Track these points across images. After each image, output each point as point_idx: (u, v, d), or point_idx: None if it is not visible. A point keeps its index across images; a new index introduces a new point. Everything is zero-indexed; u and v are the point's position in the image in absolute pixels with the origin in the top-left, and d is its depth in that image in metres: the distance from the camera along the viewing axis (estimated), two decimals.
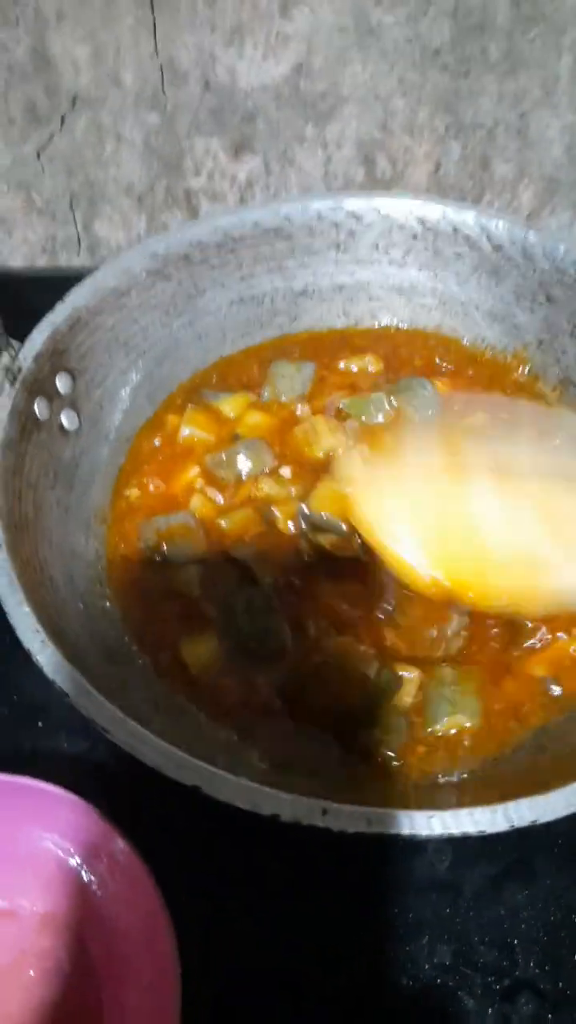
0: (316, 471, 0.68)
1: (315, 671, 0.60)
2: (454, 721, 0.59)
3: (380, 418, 0.71)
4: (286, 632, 0.62)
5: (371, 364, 0.78)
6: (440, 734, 0.59)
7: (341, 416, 0.72)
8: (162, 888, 0.54)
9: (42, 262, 1.10)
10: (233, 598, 0.63)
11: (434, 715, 0.60)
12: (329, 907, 0.60)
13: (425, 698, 0.60)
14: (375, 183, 1.04)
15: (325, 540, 0.64)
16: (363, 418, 0.72)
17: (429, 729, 0.59)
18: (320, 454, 0.70)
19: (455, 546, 0.58)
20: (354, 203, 0.72)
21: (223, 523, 0.67)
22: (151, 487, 0.69)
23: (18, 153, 0.99)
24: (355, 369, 0.77)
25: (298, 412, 0.73)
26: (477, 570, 0.58)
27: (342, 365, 0.77)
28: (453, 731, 0.59)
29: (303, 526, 0.65)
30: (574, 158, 1.01)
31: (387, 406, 0.73)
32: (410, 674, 0.60)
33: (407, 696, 0.60)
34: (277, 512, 0.66)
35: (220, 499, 0.68)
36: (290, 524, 0.65)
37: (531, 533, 0.58)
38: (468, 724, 0.59)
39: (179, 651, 0.62)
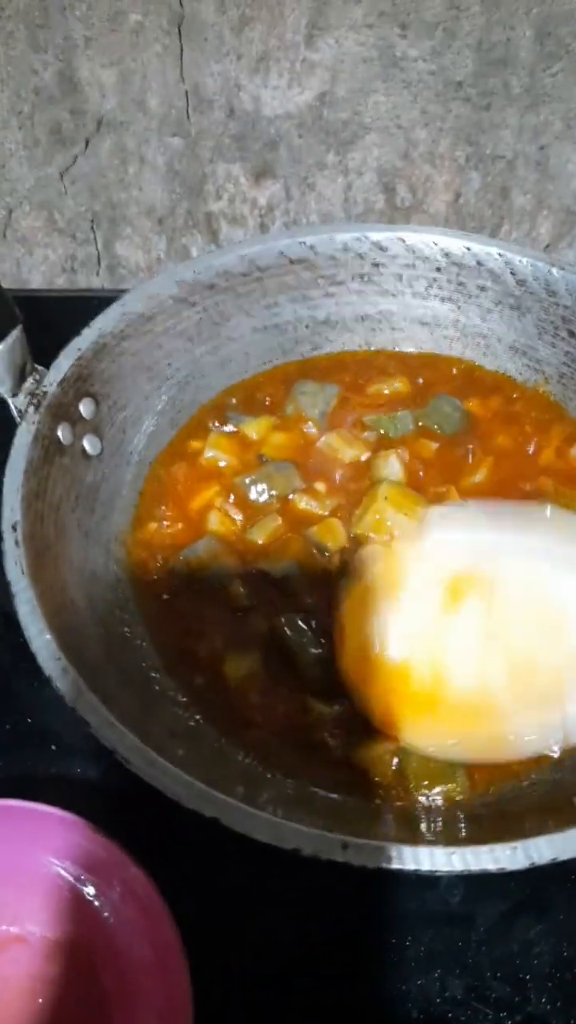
0: (349, 487, 0.70)
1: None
2: None
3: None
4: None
5: (398, 384, 0.79)
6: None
7: (361, 427, 0.74)
8: (176, 917, 0.54)
9: (61, 281, 1.11)
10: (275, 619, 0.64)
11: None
12: (342, 938, 0.59)
13: None
14: (395, 211, 1.04)
15: None
16: (382, 431, 0.74)
17: None
18: (346, 461, 0.71)
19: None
20: (379, 235, 0.73)
21: (257, 539, 0.68)
22: (172, 512, 0.69)
23: (42, 174, 1.00)
24: (386, 391, 0.78)
25: (319, 431, 0.75)
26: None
27: (369, 389, 0.78)
28: None
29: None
30: None
31: (411, 424, 0.74)
32: None
33: None
34: (315, 533, 0.67)
35: (240, 517, 0.69)
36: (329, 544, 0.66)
37: (496, 677, 0.58)
38: None
39: (218, 669, 0.63)
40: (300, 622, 0.63)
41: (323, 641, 0.62)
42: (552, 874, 0.62)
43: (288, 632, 0.62)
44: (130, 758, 0.49)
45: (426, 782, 0.59)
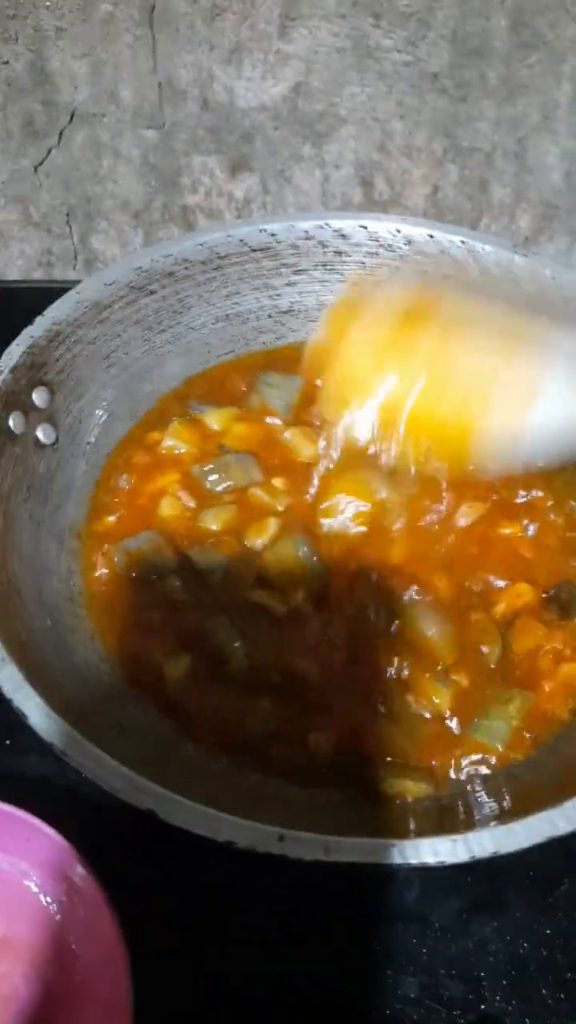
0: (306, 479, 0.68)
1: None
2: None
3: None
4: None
5: None
6: None
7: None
8: (122, 916, 0.53)
9: (38, 275, 1.10)
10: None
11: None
12: (292, 936, 0.58)
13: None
14: (373, 204, 1.04)
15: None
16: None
17: None
18: (304, 460, 0.70)
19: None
20: (340, 222, 0.72)
21: (211, 525, 0.67)
22: (125, 503, 0.69)
23: (16, 167, 1.00)
24: None
25: (283, 424, 0.73)
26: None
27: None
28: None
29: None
30: (573, 185, 1.01)
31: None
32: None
33: None
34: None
35: (192, 504, 0.68)
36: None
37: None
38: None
39: (160, 668, 0.61)
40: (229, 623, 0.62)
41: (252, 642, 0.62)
42: (510, 872, 0.61)
43: (218, 635, 0.61)
44: (67, 750, 0.48)
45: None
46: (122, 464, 0.71)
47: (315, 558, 0.63)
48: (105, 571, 0.65)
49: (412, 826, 0.54)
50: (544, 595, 0.65)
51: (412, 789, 0.57)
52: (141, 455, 0.71)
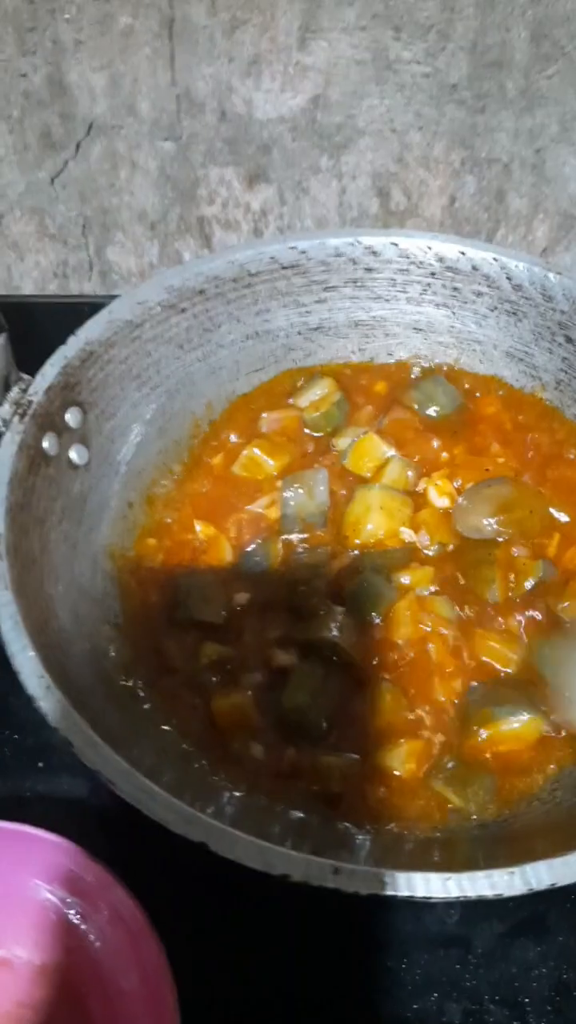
0: None
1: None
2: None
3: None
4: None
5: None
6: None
7: None
8: (164, 942, 0.53)
9: (53, 287, 1.09)
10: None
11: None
12: (337, 963, 0.58)
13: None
14: (389, 215, 1.03)
15: None
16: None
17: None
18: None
19: None
20: (372, 239, 0.72)
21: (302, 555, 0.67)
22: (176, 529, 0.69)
23: (32, 179, 0.99)
24: None
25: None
26: None
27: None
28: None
29: None
30: None
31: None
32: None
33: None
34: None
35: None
36: None
37: None
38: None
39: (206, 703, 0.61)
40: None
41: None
42: (551, 896, 0.59)
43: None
44: (115, 780, 0.47)
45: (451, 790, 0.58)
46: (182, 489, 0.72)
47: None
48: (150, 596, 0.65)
49: (460, 857, 0.53)
50: None
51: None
52: (207, 481, 0.72)
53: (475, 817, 0.57)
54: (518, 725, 0.59)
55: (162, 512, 0.70)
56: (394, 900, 0.51)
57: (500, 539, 0.67)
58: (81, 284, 1.09)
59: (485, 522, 0.67)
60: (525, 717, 0.59)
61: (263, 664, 0.62)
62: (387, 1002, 0.57)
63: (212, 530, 0.69)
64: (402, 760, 0.59)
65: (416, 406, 0.76)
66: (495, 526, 0.67)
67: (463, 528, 0.68)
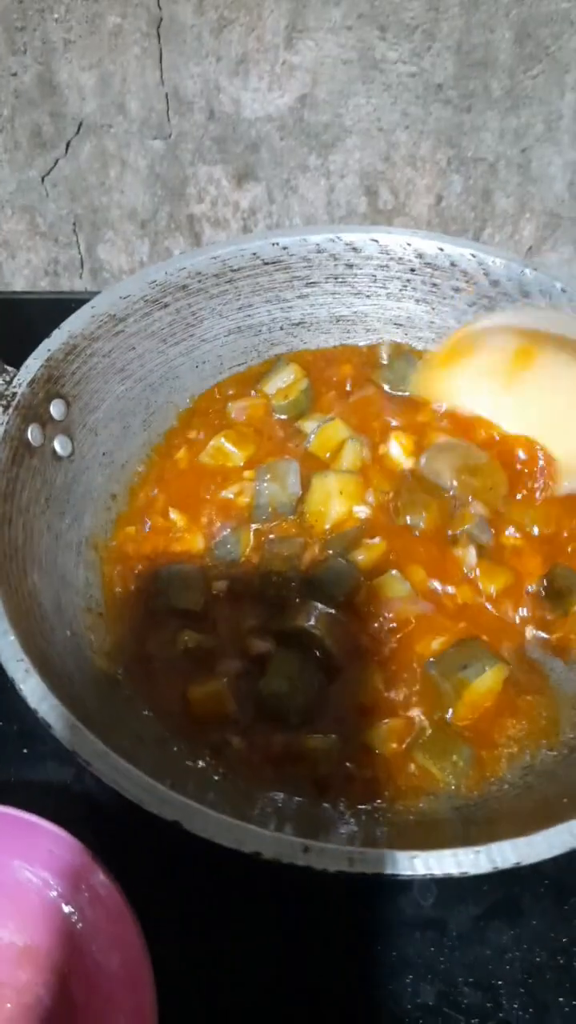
0: None
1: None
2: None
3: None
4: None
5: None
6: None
7: None
8: (144, 923, 0.54)
9: (44, 284, 1.10)
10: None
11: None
12: (312, 944, 0.59)
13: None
14: (377, 214, 1.04)
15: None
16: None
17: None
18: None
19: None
20: (352, 236, 0.73)
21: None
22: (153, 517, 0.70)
23: (23, 177, 1.00)
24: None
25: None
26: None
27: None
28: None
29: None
30: None
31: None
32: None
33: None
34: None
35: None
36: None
37: None
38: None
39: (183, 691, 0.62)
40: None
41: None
42: (526, 879, 0.61)
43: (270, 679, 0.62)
44: (92, 761, 0.48)
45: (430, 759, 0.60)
46: (146, 479, 0.72)
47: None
48: (131, 585, 0.66)
49: (431, 837, 0.54)
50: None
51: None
52: (168, 468, 0.73)
53: (454, 787, 0.58)
54: (488, 677, 0.61)
55: (140, 501, 0.71)
56: (372, 881, 0.52)
57: (451, 493, 0.69)
58: (72, 282, 1.10)
59: (448, 473, 0.69)
60: (489, 668, 0.61)
61: (240, 652, 0.63)
62: (362, 984, 0.58)
63: (185, 519, 0.70)
64: (383, 739, 0.60)
65: (387, 386, 0.77)
66: (454, 482, 0.69)
67: (425, 467, 0.70)
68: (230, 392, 0.78)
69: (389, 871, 0.46)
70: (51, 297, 1.08)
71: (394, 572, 0.65)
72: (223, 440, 0.73)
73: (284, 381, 0.77)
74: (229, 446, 0.73)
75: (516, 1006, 0.57)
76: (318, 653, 0.62)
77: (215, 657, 0.62)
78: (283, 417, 0.76)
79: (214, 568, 0.66)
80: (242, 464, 0.72)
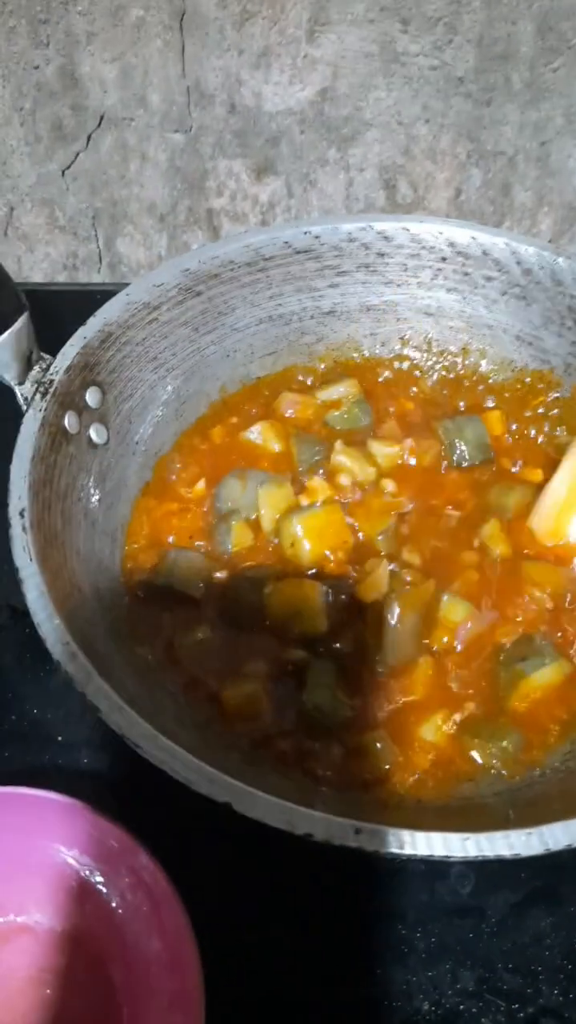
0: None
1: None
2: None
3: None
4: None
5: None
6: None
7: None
8: (187, 906, 0.54)
9: (62, 278, 1.10)
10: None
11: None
12: (354, 929, 0.59)
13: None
14: (396, 207, 1.04)
15: None
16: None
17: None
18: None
19: None
20: (384, 224, 0.73)
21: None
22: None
23: (43, 170, 1.00)
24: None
25: None
26: None
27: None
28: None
29: None
30: None
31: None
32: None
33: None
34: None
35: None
36: None
37: None
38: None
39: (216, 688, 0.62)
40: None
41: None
42: (564, 865, 0.61)
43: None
44: (140, 743, 0.48)
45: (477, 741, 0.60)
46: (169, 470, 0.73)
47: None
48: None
49: (475, 821, 0.54)
50: None
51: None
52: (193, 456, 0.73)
53: (498, 773, 0.58)
54: (547, 672, 0.62)
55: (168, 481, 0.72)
56: (412, 867, 0.52)
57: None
58: (90, 276, 1.10)
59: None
60: (549, 663, 0.62)
61: (271, 656, 0.63)
62: (401, 970, 0.58)
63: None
64: (435, 728, 0.61)
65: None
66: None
67: None
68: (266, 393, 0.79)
69: (442, 853, 0.46)
70: (74, 289, 1.08)
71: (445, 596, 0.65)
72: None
73: (339, 393, 0.77)
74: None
75: (556, 991, 0.58)
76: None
77: (240, 656, 0.63)
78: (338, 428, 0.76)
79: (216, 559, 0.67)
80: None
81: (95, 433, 0.65)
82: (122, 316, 0.66)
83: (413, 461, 0.73)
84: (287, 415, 0.76)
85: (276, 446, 0.74)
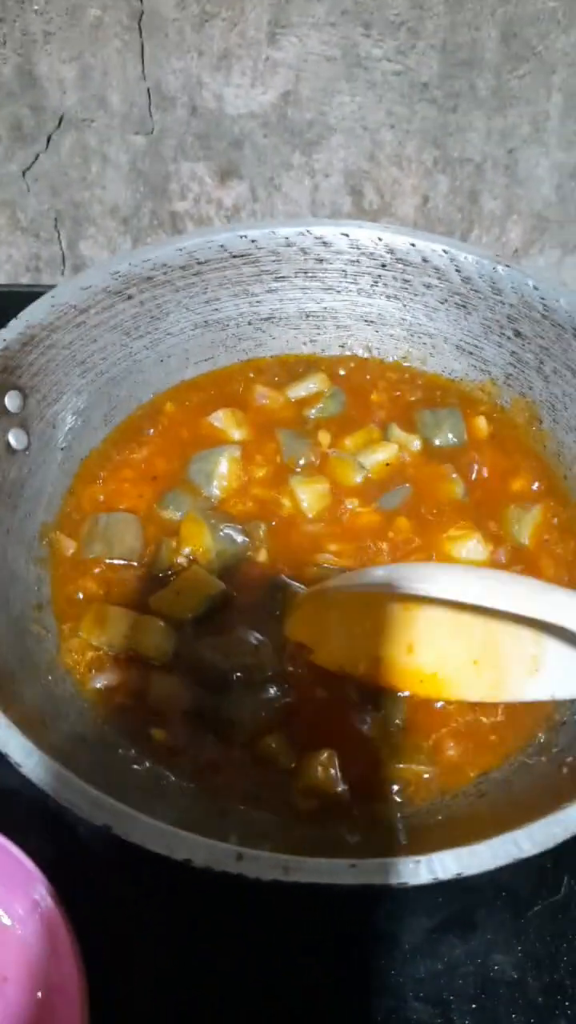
0: None
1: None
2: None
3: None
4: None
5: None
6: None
7: None
8: (81, 930, 0.52)
9: (25, 280, 1.09)
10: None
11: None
12: (258, 958, 0.57)
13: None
14: (363, 213, 1.03)
15: None
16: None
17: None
18: None
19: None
20: (322, 229, 0.71)
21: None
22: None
23: (3, 172, 0.99)
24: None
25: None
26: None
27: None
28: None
29: None
30: (564, 197, 1.01)
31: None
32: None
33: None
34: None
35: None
36: None
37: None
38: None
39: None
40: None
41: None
42: (481, 892, 0.60)
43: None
44: (23, 763, 0.47)
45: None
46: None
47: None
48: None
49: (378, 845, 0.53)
50: None
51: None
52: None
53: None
54: None
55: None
56: (320, 893, 0.50)
57: None
58: (54, 278, 1.10)
59: None
60: None
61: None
62: (308, 997, 0.56)
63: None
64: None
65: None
66: None
67: None
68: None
69: (325, 880, 0.44)
70: (37, 291, 1.06)
71: None
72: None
73: (308, 389, 0.76)
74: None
75: (467, 1022, 0.56)
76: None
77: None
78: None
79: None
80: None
81: (14, 438, 0.63)
82: (47, 318, 0.65)
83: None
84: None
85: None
